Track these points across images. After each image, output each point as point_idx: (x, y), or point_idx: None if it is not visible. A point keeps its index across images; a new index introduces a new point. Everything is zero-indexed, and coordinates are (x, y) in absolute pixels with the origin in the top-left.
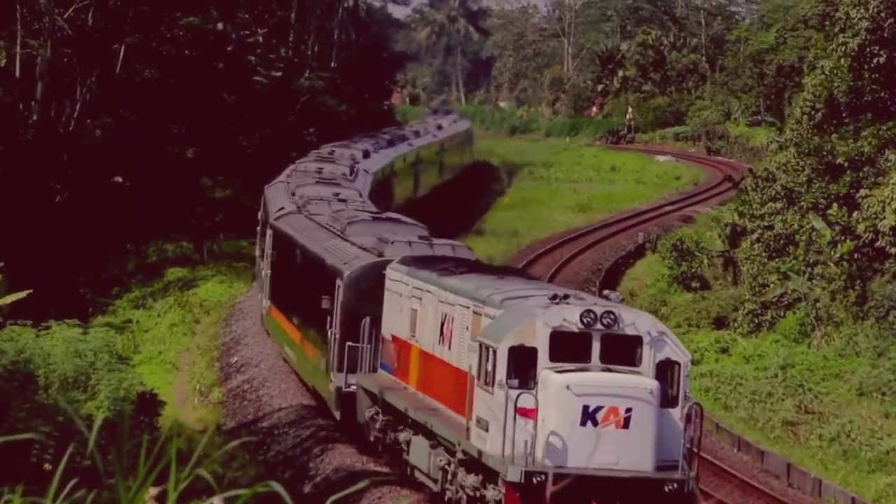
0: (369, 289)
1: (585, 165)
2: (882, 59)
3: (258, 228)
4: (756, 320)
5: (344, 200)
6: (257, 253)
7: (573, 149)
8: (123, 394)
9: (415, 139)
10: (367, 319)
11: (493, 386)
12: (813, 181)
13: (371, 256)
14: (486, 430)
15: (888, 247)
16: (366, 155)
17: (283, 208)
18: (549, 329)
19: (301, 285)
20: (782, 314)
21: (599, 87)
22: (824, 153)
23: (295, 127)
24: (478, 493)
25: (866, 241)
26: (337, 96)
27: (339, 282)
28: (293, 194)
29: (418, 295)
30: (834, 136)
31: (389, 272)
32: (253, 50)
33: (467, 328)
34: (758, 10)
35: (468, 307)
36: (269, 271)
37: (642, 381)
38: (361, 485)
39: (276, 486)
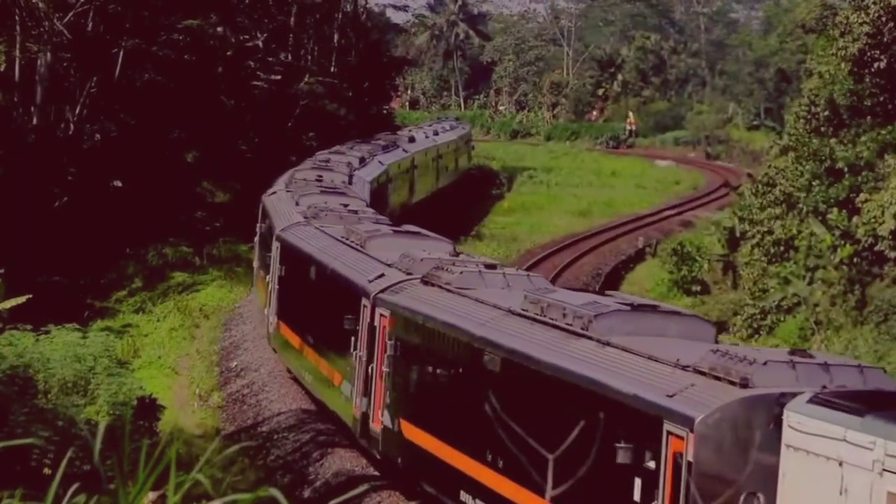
0: (738, 444)
1: (586, 170)
2: (882, 64)
3: (260, 273)
4: (755, 325)
5: (486, 266)
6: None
7: (573, 153)
8: (123, 398)
9: (384, 155)
10: (760, 500)
11: None
12: (812, 185)
13: (729, 388)
14: None
15: (887, 251)
16: (350, 180)
17: (383, 275)
18: None
19: (533, 420)
20: (782, 319)
21: (599, 92)
22: (823, 157)
23: (294, 131)
24: None
25: (866, 245)
26: (336, 101)
27: (680, 431)
28: (360, 246)
29: None
30: (832, 140)
31: (798, 419)
32: (252, 54)
33: None
34: (758, 16)
35: None
36: (397, 377)
37: None
38: (360, 489)
39: (275, 492)
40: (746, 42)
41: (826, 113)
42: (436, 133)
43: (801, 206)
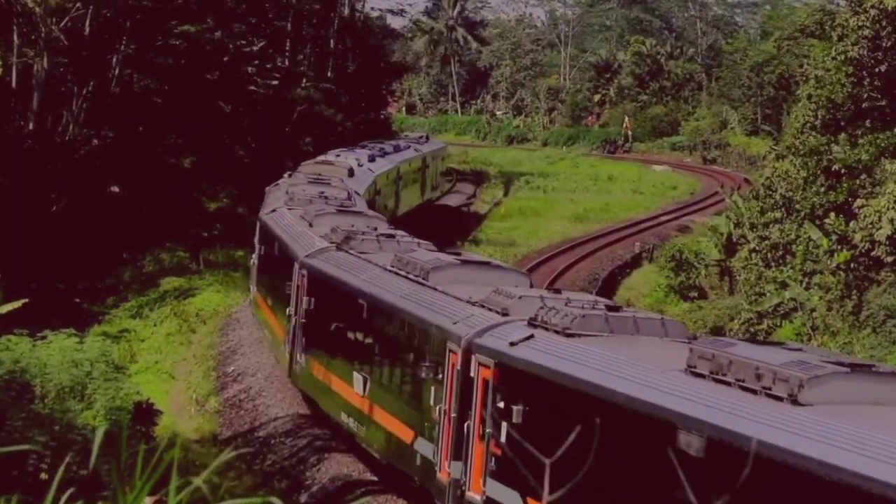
0: None
1: (582, 175)
2: (883, 68)
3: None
4: (752, 330)
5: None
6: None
7: (570, 158)
8: (120, 403)
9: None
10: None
11: None
12: (809, 186)
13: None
14: None
15: (884, 256)
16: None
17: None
18: None
19: None
20: (779, 324)
21: (596, 98)
22: (820, 157)
23: (292, 137)
24: None
25: (863, 250)
26: (333, 106)
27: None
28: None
29: None
30: (832, 144)
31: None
32: (250, 60)
33: None
34: (757, 18)
35: None
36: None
37: None
38: (357, 494)
39: (275, 502)
40: (742, 48)
41: (825, 115)
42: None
43: (798, 208)
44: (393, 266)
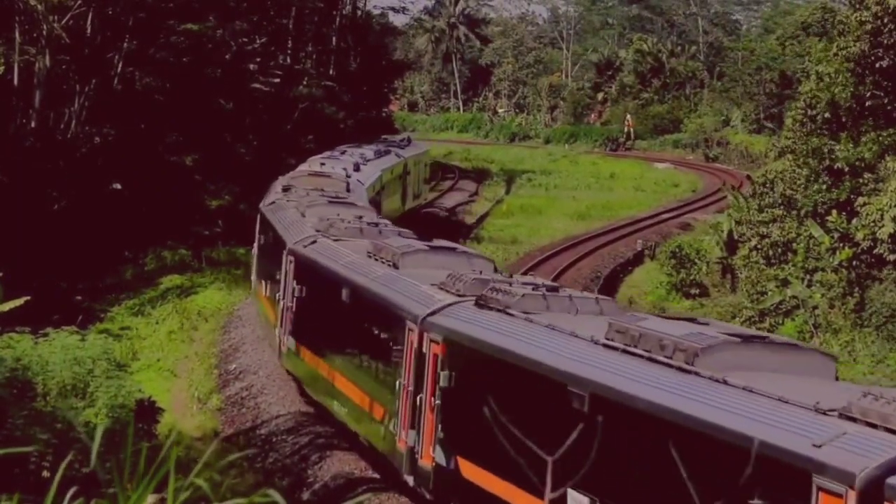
0: None
1: (584, 173)
2: (885, 63)
3: None
4: (754, 328)
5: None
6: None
7: (572, 156)
8: (122, 401)
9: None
10: None
11: None
12: (811, 185)
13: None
14: None
15: (886, 254)
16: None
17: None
18: None
19: None
20: (781, 322)
21: (598, 96)
22: (822, 156)
23: (293, 135)
24: None
25: (865, 248)
26: (335, 104)
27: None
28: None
29: None
30: (832, 142)
31: None
32: (252, 58)
33: None
34: (758, 16)
35: None
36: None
37: None
38: (359, 491)
39: (274, 494)
40: (749, 48)
41: (826, 114)
42: None
43: (799, 206)
44: (612, 339)
